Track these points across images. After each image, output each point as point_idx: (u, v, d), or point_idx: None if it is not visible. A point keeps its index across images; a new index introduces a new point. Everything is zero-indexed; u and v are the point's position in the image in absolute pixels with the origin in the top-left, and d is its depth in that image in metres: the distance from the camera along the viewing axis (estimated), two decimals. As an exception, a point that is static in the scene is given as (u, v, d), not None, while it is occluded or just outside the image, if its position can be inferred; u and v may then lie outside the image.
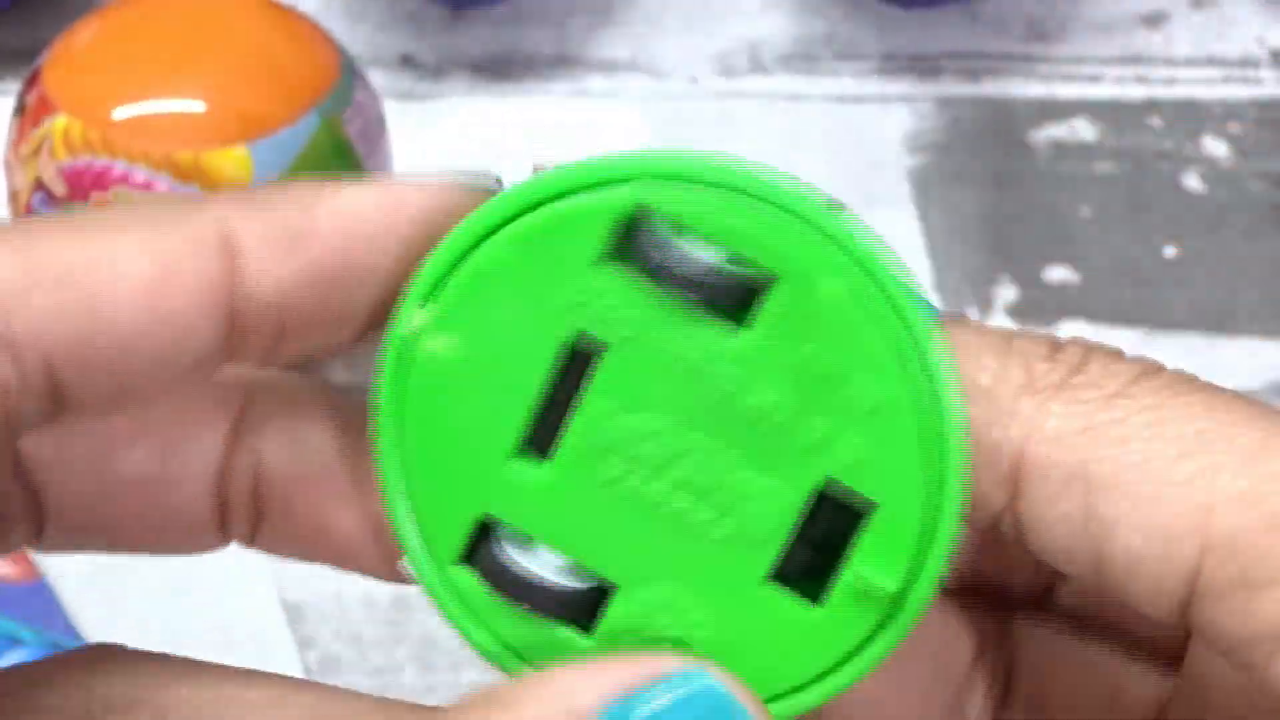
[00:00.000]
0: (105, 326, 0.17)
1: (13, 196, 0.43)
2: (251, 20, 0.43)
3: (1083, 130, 0.53)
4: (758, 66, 0.55)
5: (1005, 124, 0.54)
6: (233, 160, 0.41)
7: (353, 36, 0.54)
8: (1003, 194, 0.52)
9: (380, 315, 0.19)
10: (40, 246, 0.17)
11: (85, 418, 0.18)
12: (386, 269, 0.19)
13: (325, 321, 0.19)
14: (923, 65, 0.55)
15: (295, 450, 0.22)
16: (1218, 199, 0.52)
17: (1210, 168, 0.53)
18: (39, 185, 0.41)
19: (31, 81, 0.43)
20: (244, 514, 0.21)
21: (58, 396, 0.18)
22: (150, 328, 0.18)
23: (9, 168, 0.43)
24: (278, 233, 0.18)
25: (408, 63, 0.54)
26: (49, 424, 0.18)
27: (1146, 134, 0.53)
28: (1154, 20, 0.56)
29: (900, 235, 0.51)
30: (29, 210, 0.42)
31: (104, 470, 0.20)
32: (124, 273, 0.17)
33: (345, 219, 0.18)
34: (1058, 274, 0.50)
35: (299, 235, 0.18)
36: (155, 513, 0.21)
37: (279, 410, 0.22)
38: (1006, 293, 0.50)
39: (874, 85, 0.54)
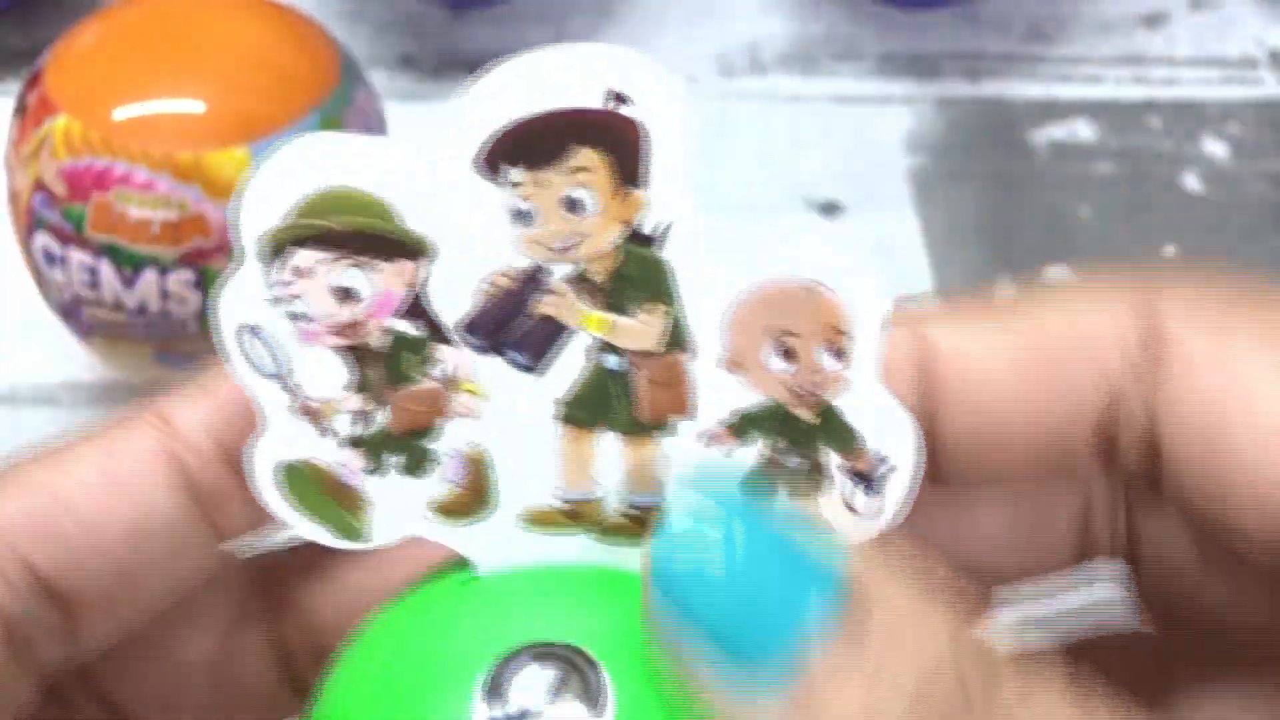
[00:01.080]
0: (65, 512, 0.19)
1: (13, 197, 0.43)
2: (252, 21, 0.43)
3: (1082, 131, 0.53)
4: (757, 67, 0.55)
5: (1005, 124, 0.54)
6: (233, 161, 0.41)
7: (353, 37, 0.54)
8: (1002, 194, 0.52)
9: None
10: (5, 476, 0.19)
11: (99, 618, 0.20)
12: None
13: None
14: (922, 66, 0.55)
15: (339, 607, 0.22)
16: (1217, 199, 0.52)
17: (1209, 168, 0.53)
18: (40, 185, 0.41)
19: (32, 82, 0.43)
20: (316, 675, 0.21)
21: (53, 595, 0.19)
22: (106, 502, 0.19)
23: (9, 168, 0.43)
24: (200, 393, 0.20)
25: (408, 63, 0.54)
26: (67, 629, 0.19)
27: (1146, 134, 0.53)
28: (1153, 21, 0.56)
29: (900, 235, 0.51)
30: (29, 211, 0.42)
31: (170, 664, 0.21)
32: (76, 463, 0.19)
33: None
34: (1058, 274, 0.50)
35: (220, 390, 0.20)
36: (228, 690, 0.22)
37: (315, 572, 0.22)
38: (1006, 293, 0.50)
39: (873, 86, 0.54)
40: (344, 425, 0.19)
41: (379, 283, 0.18)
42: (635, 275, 0.18)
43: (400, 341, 0.18)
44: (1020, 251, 0.51)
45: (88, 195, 0.41)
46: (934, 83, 0.54)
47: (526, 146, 0.18)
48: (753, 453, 0.18)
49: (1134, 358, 0.19)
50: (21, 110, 0.42)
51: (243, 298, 0.18)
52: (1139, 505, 0.22)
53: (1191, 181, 0.52)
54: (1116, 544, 0.22)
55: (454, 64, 0.54)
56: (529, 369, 0.18)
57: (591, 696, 0.17)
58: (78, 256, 0.41)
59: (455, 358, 0.18)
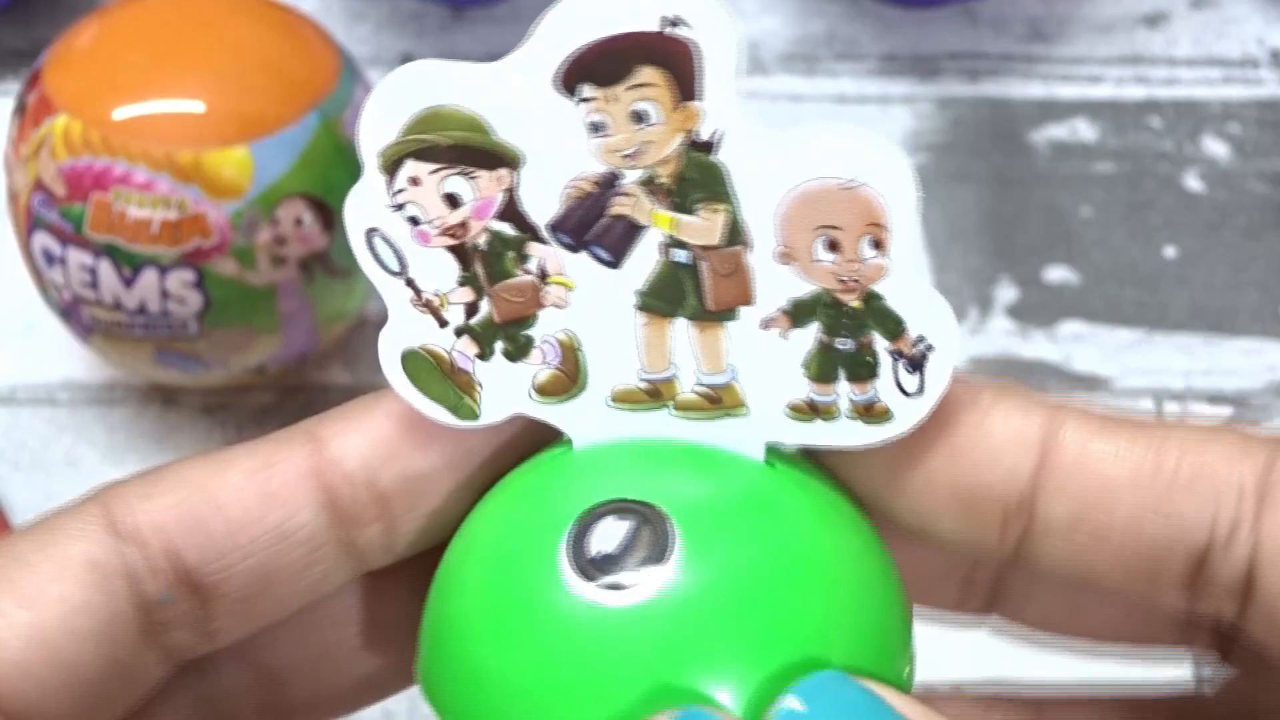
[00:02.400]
0: (215, 510, 0.21)
1: (12, 197, 0.43)
2: (252, 20, 0.43)
3: (1083, 130, 0.53)
4: (757, 67, 0.55)
5: (1005, 124, 0.54)
6: (233, 160, 0.41)
7: (353, 36, 0.54)
8: (1003, 194, 0.52)
9: (463, 471, 0.22)
10: (157, 473, 0.22)
11: (233, 613, 0.22)
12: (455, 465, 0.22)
13: (416, 484, 0.22)
14: (923, 66, 0.55)
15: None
16: (1218, 199, 0.52)
17: (1210, 168, 0.53)
18: (39, 185, 0.41)
19: (32, 82, 0.43)
20: None
21: (194, 587, 0.21)
22: (255, 508, 0.21)
23: (9, 168, 0.43)
24: (353, 416, 0.22)
25: (407, 62, 0.54)
26: (202, 620, 0.21)
27: (1146, 134, 0.53)
28: (1154, 20, 0.56)
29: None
30: (29, 211, 0.42)
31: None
32: (231, 469, 0.21)
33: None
34: (1058, 274, 0.50)
35: (373, 415, 0.22)
36: (375, 633, 0.24)
37: None
38: (1006, 293, 0.50)
39: (874, 85, 0.54)
40: (456, 316, 0.22)
41: (479, 189, 0.21)
42: (696, 178, 0.20)
43: (499, 240, 0.21)
44: (1021, 251, 0.51)
45: (87, 195, 0.41)
46: (934, 82, 0.54)
47: (597, 67, 0.20)
48: (808, 336, 0.21)
49: (1247, 506, 0.21)
50: (21, 110, 0.42)
51: (366, 205, 0.22)
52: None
53: (1192, 181, 0.52)
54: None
55: (454, 64, 0.54)
56: (610, 263, 0.21)
57: (660, 545, 0.20)
58: (77, 256, 0.41)
59: (546, 254, 0.21)
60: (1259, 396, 0.48)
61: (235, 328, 0.43)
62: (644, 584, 0.20)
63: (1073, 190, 0.52)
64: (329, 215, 0.42)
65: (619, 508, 0.20)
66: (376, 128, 0.21)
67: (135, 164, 0.40)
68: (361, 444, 0.22)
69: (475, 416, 0.22)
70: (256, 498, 0.21)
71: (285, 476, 0.22)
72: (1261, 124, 0.54)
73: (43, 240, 0.42)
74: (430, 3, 0.55)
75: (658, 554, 0.20)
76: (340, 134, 0.42)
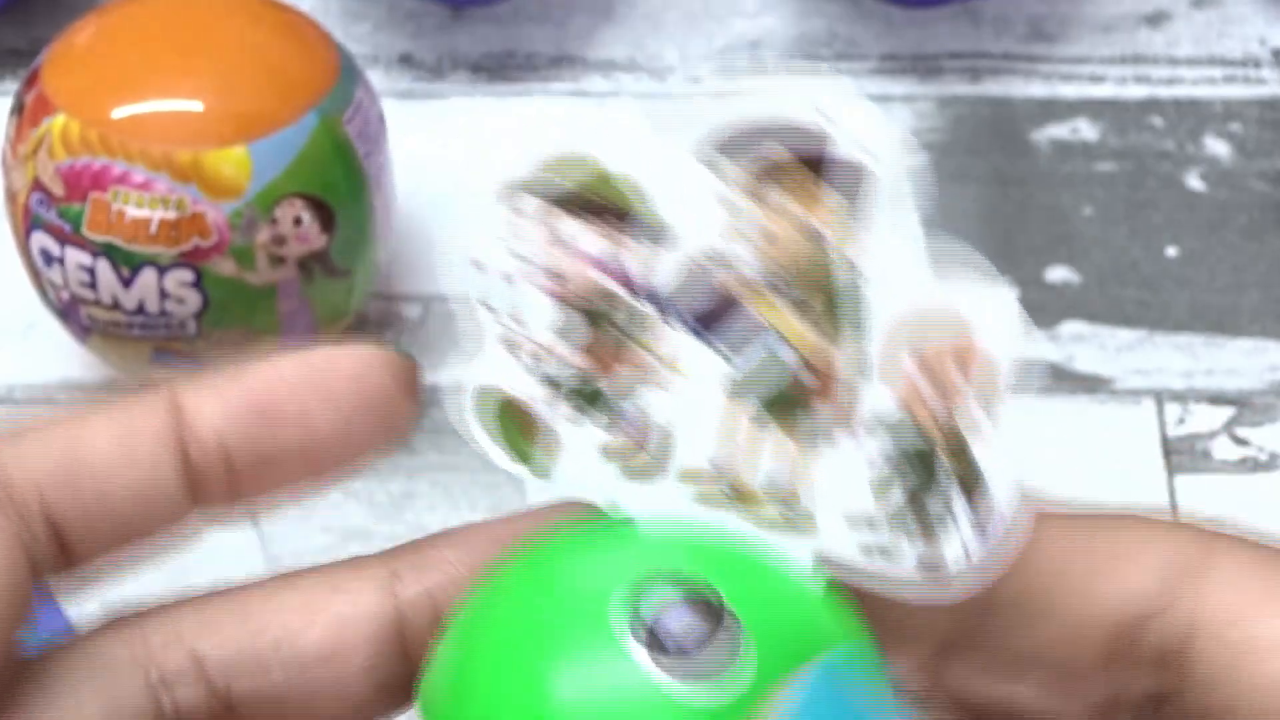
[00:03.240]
0: (86, 470, 0.22)
1: (11, 197, 0.43)
2: (250, 20, 0.43)
3: (1084, 130, 0.53)
4: (757, 66, 0.55)
5: (1006, 124, 0.53)
6: (232, 160, 0.41)
7: (352, 36, 0.54)
8: (1004, 194, 0.52)
9: (312, 464, 0.23)
10: (36, 435, 0.22)
11: (89, 563, 0.23)
12: (310, 418, 0.22)
13: (265, 465, 0.23)
14: (924, 65, 0.55)
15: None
16: (1219, 199, 0.52)
17: (1212, 167, 0.53)
18: (37, 185, 0.41)
19: (30, 81, 0.43)
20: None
21: (61, 542, 0.22)
22: (120, 467, 0.22)
23: (7, 168, 0.43)
24: (214, 390, 0.22)
25: (407, 62, 0.54)
26: (58, 571, 0.23)
27: (1148, 134, 0.53)
28: (1156, 20, 0.56)
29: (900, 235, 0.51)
30: (27, 211, 0.42)
31: (285, 655, 0.23)
32: (97, 430, 0.22)
33: (271, 376, 0.22)
34: (1059, 274, 0.50)
35: (231, 391, 0.22)
36: (338, 685, 0.24)
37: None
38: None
39: (875, 85, 0.54)
40: (547, 366, 0.21)
41: (594, 242, 0.20)
42: (828, 293, 0.20)
43: (605, 299, 0.20)
44: (1022, 251, 0.51)
45: (85, 195, 0.41)
46: (935, 82, 0.54)
47: (742, 147, 0.19)
48: (888, 467, 0.20)
49: (1174, 585, 0.21)
50: (19, 109, 0.42)
51: (474, 232, 0.21)
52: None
53: (1194, 181, 0.52)
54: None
55: (453, 63, 0.54)
56: (711, 344, 0.20)
57: (732, 641, 0.19)
58: (75, 256, 0.41)
59: (651, 321, 0.20)
60: (1260, 397, 0.48)
61: (234, 328, 0.43)
62: (708, 685, 0.19)
63: (1074, 190, 0.52)
64: (328, 215, 0.42)
65: (691, 594, 0.19)
66: (503, 157, 0.20)
67: (133, 163, 0.40)
68: (218, 412, 0.22)
69: (547, 475, 0.22)
70: (120, 458, 0.22)
71: (147, 439, 0.22)
72: (1263, 123, 0.54)
73: (41, 240, 0.42)
74: (429, 2, 0.55)
75: (731, 654, 0.19)
76: (339, 133, 0.42)
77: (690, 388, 0.20)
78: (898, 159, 0.20)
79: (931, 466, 0.20)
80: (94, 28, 0.43)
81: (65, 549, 0.23)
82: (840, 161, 0.19)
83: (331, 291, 0.43)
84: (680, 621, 0.19)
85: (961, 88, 0.54)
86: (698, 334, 0.20)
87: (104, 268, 0.41)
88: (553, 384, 0.21)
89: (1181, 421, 0.48)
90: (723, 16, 0.55)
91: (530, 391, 0.21)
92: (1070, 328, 0.50)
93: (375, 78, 0.52)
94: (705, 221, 0.20)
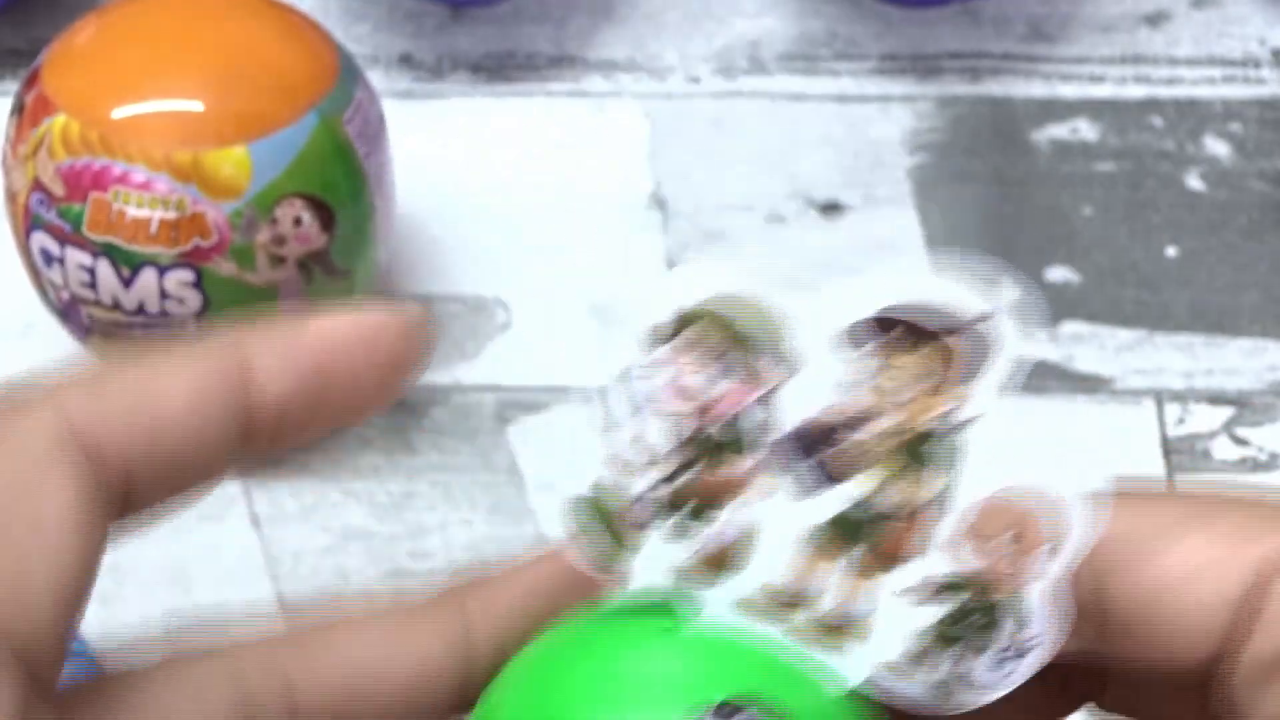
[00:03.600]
0: (160, 424, 0.23)
1: (11, 197, 0.43)
2: (250, 20, 0.43)
3: (1084, 130, 0.53)
4: (758, 66, 0.55)
5: (1006, 124, 0.54)
6: (232, 160, 0.41)
7: (352, 36, 0.54)
8: (1004, 194, 0.52)
9: (342, 418, 0.24)
10: (111, 385, 0.23)
11: (144, 511, 0.24)
12: (358, 378, 0.24)
13: (316, 417, 0.24)
14: (923, 65, 0.55)
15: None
16: (1219, 199, 0.52)
17: (1211, 167, 0.53)
18: (37, 185, 0.41)
19: (30, 81, 0.43)
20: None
21: (130, 495, 0.23)
22: (192, 423, 0.23)
23: (7, 168, 0.43)
24: (279, 346, 0.23)
25: (407, 62, 0.54)
26: (119, 519, 0.23)
27: (1148, 134, 0.53)
28: (1155, 20, 0.56)
29: (900, 235, 0.51)
30: (27, 211, 0.42)
31: (353, 664, 0.24)
32: (171, 384, 0.23)
33: (327, 335, 0.24)
34: (1059, 274, 0.50)
35: (295, 349, 0.23)
36: (403, 696, 0.24)
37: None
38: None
39: (874, 85, 0.54)
40: (650, 481, 0.23)
41: (730, 384, 0.22)
42: (937, 445, 0.22)
43: (728, 430, 0.22)
44: (1022, 251, 0.51)
45: (85, 195, 0.41)
46: (935, 82, 0.54)
47: (887, 332, 0.22)
48: (943, 610, 0.22)
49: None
50: (19, 109, 0.42)
51: (628, 352, 0.22)
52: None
53: (1194, 181, 0.52)
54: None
55: (453, 63, 0.54)
56: (815, 488, 0.22)
57: None
58: (75, 256, 0.41)
59: (763, 455, 0.22)
60: (1260, 397, 0.48)
61: (234, 328, 0.43)
62: None
63: (1074, 190, 0.52)
64: (328, 215, 0.42)
65: (748, 708, 0.21)
66: (671, 292, 0.22)
67: (134, 164, 0.40)
68: (283, 374, 0.23)
69: (619, 578, 0.23)
70: (192, 414, 0.23)
71: (218, 396, 0.23)
72: (1263, 123, 0.54)
73: (41, 240, 0.42)
74: (429, 2, 0.55)
75: None
76: (339, 134, 0.42)
77: (780, 514, 0.22)
78: (1014, 346, 0.22)
79: (992, 614, 0.22)
80: (94, 28, 0.43)
81: (129, 499, 0.23)
82: (966, 342, 0.22)
83: (332, 291, 0.43)
84: None
85: (961, 88, 0.54)
86: (805, 474, 0.22)
87: (104, 268, 0.41)
88: (654, 497, 0.23)
89: (1181, 421, 0.48)
90: (723, 16, 0.56)
91: (630, 498, 0.23)
92: (1070, 328, 0.50)
93: (375, 78, 0.52)
94: (840, 382, 0.22)
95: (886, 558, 0.22)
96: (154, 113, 0.41)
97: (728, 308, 0.22)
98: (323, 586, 0.45)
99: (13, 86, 0.44)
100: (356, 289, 0.44)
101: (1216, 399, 0.48)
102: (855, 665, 0.22)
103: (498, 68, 0.54)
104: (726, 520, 0.22)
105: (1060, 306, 0.50)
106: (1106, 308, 0.50)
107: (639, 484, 0.23)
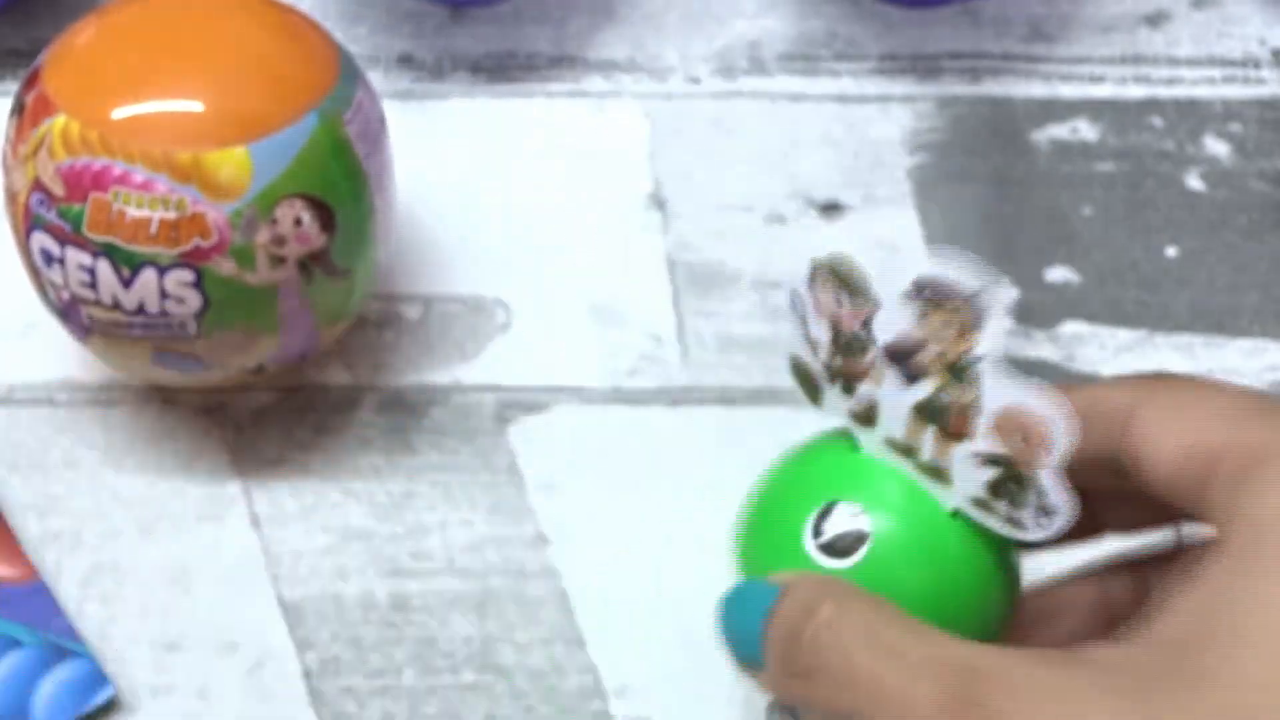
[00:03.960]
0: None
1: (11, 197, 0.43)
2: (251, 20, 0.43)
3: (1084, 130, 0.54)
4: (758, 66, 0.55)
5: (1006, 124, 0.54)
6: (232, 160, 0.41)
7: (351, 36, 0.54)
8: (1003, 194, 0.52)
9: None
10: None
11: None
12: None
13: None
14: (923, 65, 0.55)
15: None
16: (1219, 199, 0.52)
17: (1211, 168, 0.53)
18: (37, 185, 0.41)
19: (30, 81, 0.43)
20: None
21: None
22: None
23: (7, 168, 0.43)
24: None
25: (407, 62, 0.54)
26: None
27: (1148, 134, 0.53)
28: (1155, 20, 0.56)
29: (900, 235, 0.51)
30: (27, 211, 0.42)
31: None
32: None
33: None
34: (1058, 274, 0.50)
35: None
36: None
37: None
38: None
39: (874, 85, 0.54)
40: (826, 357, 0.36)
41: (852, 306, 0.35)
42: (961, 368, 0.34)
43: (851, 339, 0.36)
44: (1021, 251, 0.51)
45: (86, 195, 0.41)
46: (935, 82, 0.54)
47: (936, 294, 0.34)
48: (991, 472, 0.35)
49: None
50: (19, 110, 0.43)
51: (798, 284, 0.36)
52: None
53: (1193, 181, 0.53)
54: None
55: (453, 64, 0.54)
56: (906, 383, 0.35)
57: (857, 545, 0.36)
58: (75, 256, 0.41)
59: (874, 357, 0.35)
60: (1260, 397, 0.48)
61: (234, 328, 0.43)
62: (841, 563, 0.36)
63: (1074, 190, 0.52)
64: (328, 215, 0.42)
65: (850, 514, 0.36)
66: (818, 261, 0.35)
67: (134, 164, 0.41)
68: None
69: (819, 408, 0.37)
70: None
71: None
72: (1263, 123, 0.54)
73: (41, 240, 0.42)
74: (429, 2, 0.55)
75: (854, 548, 0.35)
76: (339, 134, 0.42)
77: (891, 392, 0.35)
78: (1001, 314, 0.34)
79: (1022, 484, 0.34)
80: (94, 28, 0.43)
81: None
82: (975, 304, 0.34)
83: (332, 292, 0.44)
84: (836, 527, 0.36)
85: (961, 88, 0.54)
86: (901, 373, 0.35)
87: (104, 268, 0.41)
88: (830, 369, 0.36)
89: (1181, 421, 0.48)
90: (723, 17, 0.56)
91: (816, 366, 0.37)
92: (1070, 328, 0.50)
93: (375, 78, 0.52)
94: (905, 315, 0.35)
95: (954, 435, 0.35)
96: (154, 113, 0.41)
97: (838, 265, 0.35)
98: (322, 589, 0.45)
99: (13, 86, 0.44)
100: (356, 289, 0.45)
101: (1216, 399, 0.48)
102: (948, 496, 0.35)
103: (498, 68, 0.54)
104: (861, 392, 0.36)
105: (1060, 307, 0.50)
106: (1106, 308, 0.50)
107: (818, 359, 0.36)
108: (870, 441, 0.36)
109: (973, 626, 0.35)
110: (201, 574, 0.45)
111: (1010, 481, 0.34)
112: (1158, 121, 0.54)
